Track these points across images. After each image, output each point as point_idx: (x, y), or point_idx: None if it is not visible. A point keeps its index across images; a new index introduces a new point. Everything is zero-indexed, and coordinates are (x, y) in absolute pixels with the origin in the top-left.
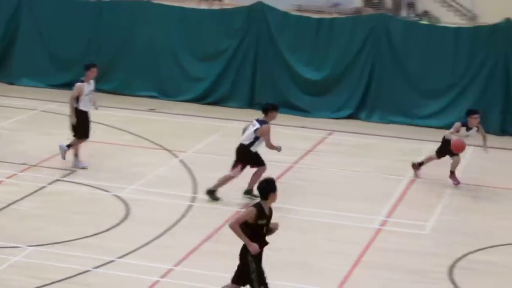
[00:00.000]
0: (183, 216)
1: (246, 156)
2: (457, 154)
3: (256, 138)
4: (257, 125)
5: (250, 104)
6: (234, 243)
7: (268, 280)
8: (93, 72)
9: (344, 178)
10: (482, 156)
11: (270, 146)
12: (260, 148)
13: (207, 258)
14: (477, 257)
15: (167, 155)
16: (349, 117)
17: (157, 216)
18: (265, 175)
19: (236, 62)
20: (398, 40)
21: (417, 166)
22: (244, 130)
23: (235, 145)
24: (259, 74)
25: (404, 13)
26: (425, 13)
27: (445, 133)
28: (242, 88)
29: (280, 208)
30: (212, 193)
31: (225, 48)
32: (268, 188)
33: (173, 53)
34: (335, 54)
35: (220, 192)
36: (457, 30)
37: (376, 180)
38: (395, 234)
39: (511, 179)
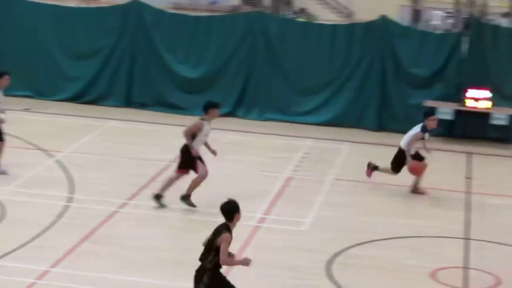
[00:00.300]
0: (59, 216)
1: (189, 154)
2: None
3: (195, 136)
4: None
5: (128, 102)
6: (112, 244)
7: (141, 279)
8: (6, 79)
9: (221, 175)
10: (359, 152)
11: (187, 135)
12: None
13: (85, 259)
14: (355, 252)
15: (43, 155)
16: (227, 114)
17: (33, 217)
18: (141, 172)
19: (112, 61)
20: (275, 38)
21: (371, 167)
22: None
23: (112, 144)
24: (136, 72)
25: (281, 10)
26: (302, 11)
27: (398, 141)
28: (119, 87)
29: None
30: (186, 198)
31: (101, 46)
32: (233, 208)
33: (48, 52)
34: (212, 52)
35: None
36: (334, 28)
37: (253, 177)
38: (274, 231)
39: (388, 174)
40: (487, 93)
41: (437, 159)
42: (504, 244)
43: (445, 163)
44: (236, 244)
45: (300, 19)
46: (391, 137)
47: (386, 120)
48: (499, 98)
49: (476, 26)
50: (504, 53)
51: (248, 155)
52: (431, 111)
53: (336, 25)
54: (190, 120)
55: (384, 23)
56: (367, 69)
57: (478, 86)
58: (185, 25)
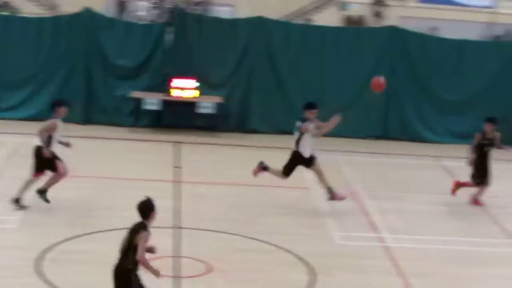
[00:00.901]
0: None
1: (42, 157)
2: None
3: (50, 137)
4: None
5: None
6: None
7: None
8: None
9: None
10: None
11: (43, 136)
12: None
13: None
14: (67, 247)
15: None
16: None
17: None
18: None
19: None
20: None
21: (261, 167)
22: None
23: None
24: None
25: None
26: (5, 4)
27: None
28: None
29: None
30: (43, 192)
31: None
32: (149, 207)
33: None
34: None
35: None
36: (39, 21)
37: None
38: None
39: (99, 166)
40: (193, 83)
41: (146, 150)
42: (214, 231)
43: (153, 153)
44: None
45: (4, 13)
46: (99, 129)
47: (93, 113)
48: (205, 87)
49: (179, 16)
50: (208, 42)
51: None
52: (312, 104)
53: (41, 18)
54: None
55: (89, 15)
56: (73, 62)
57: (184, 75)
58: None
